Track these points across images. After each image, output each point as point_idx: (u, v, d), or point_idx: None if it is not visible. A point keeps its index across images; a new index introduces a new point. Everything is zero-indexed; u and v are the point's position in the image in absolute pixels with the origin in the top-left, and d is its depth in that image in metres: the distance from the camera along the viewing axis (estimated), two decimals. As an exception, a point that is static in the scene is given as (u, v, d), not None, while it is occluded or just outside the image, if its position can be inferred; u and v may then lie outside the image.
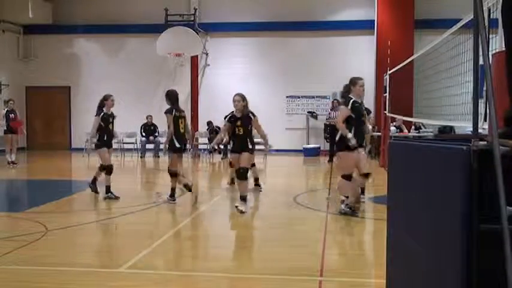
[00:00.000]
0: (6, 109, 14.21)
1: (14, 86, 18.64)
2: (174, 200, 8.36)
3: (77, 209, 8.45)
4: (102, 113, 8.78)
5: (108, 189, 8.76)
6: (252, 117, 7.87)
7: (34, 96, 19.60)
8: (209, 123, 17.69)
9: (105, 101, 8.85)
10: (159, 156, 16.19)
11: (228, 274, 4.81)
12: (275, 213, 7.94)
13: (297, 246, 5.87)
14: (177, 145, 8.26)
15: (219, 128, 17.62)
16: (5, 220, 7.49)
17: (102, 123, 8.76)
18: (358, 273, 4.91)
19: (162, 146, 9.68)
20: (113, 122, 9.02)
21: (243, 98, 7.92)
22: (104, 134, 8.81)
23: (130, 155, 17.00)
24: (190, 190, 8.26)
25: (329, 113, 15.43)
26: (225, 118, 8.39)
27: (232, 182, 9.84)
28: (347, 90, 7.49)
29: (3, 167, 13.78)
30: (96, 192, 8.95)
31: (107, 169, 8.81)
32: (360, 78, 7.35)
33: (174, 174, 8.32)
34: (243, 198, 7.72)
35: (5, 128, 14.00)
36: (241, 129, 7.83)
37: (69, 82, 19.16)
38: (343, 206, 7.35)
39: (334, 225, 7.27)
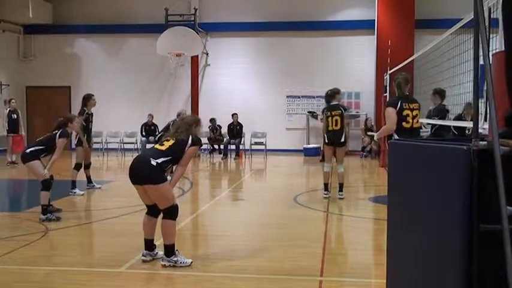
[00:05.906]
0: (8, 109, 14.20)
1: (14, 86, 18.62)
2: None
3: (77, 209, 8.45)
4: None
5: (45, 209, 7.10)
6: None
7: (34, 96, 19.57)
8: (212, 120, 17.54)
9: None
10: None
11: (228, 274, 4.81)
12: (275, 213, 7.94)
13: (297, 246, 5.87)
14: None
15: (220, 126, 17.59)
16: (5, 220, 7.48)
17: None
18: (358, 273, 4.91)
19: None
20: None
21: None
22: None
23: (131, 154, 16.98)
24: None
25: None
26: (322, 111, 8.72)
27: None
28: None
29: (3, 167, 13.78)
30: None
31: (47, 183, 7.18)
32: None
33: None
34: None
35: (7, 128, 13.99)
36: None
37: (69, 82, 19.14)
38: None
39: (334, 225, 7.28)
